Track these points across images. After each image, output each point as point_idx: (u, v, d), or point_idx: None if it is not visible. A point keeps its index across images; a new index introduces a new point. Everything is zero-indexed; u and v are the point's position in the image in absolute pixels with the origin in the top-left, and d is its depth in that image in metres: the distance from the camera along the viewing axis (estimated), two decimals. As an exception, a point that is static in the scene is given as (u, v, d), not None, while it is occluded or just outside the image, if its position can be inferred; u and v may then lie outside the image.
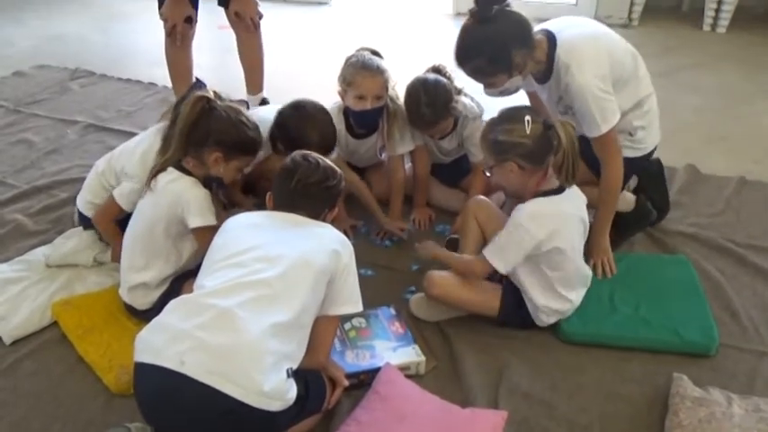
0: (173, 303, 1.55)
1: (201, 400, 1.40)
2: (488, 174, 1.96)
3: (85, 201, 2.26)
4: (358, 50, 2.40)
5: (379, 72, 2.31)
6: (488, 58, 2.03)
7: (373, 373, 1.79)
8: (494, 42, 2.01)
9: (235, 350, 1.43)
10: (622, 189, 2.25)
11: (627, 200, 2.36)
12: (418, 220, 2.56)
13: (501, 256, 1.88)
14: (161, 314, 1.53)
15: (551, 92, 2.18)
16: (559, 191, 1.87)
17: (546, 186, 1.88)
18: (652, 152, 2.32)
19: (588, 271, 2.02)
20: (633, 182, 2.44)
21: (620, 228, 2.33)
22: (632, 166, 2.26)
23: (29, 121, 3.36)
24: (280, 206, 1.76)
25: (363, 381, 1.80)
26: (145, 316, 1.90)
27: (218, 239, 1.71)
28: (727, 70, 4.01)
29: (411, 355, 1.88)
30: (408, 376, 1.82)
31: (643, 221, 2.41)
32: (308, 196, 1.75)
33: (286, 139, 2.20)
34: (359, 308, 1.72)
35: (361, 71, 2.30)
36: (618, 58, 2.08)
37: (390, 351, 1.88)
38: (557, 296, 1.92)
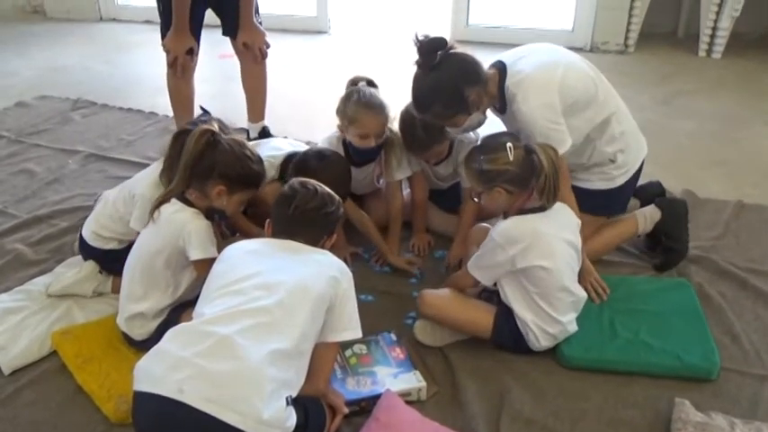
0: (172, 331, 1.55)
1: (200, 429, 1.39)
2: (476, 200, 1.98)
3: (90, 230, 2.26)
4: (354, 82, 2.40)
5: (381, 110, 2.31)
6: (443, 104, 2.07)
7: (374, 399, 1.78)
8: (445, 87, 2.05)
9: (234, 377, 1.42)
10: (620, 213, 2.30)
11: (649, 217, 2.37)
12: (417, 245, 2.56)
13: (480, 269, 1.95)
14: (160, 342, 1.53)
15: (510, 123, 2.20)
16: (541, 209, 1.91)
17: (529, 205, 1.92)
18: (641, 167, 2.34)
19: (581, 294, 2.01)
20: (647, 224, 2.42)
21: (671, 234, 2.35)
22: (626, 189, 2.30)
23: (30, 151, 3.38)
24: (278, 233, 1.77)
25: (364, 408, 1.79)
26: (143, 346, 1.90)
27: (217, 267, 1.72)
28: (724, 96, 4.04)
29: (412, 381, 1.87)
30: (409, 402, 1.81)
31: (679, 214, 2.38)
32: (306, 222, 1.75)
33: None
34: (358, 334, 1.72)
35: (365, 110, 2.30)
36: (570, 84, 2.09)
37: (391, 377, 1.87)
38: (543, 314, 1.91)
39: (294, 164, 2.28)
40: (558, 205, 1.96)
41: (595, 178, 2.29)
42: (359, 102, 2.31)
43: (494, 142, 1.93)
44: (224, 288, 1.61)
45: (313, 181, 1.82)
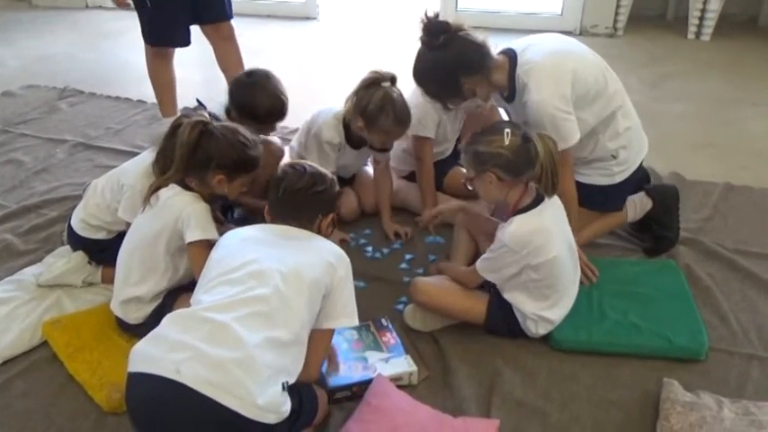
0: (170, 317, 1.54)
1: (198, 411, 1.38)
2: (469, 187, 1.94)
3: (79, 218, 2.25)
4: (376, 80, 2.26)
5: (410, 121, 2.30)
6: (438, 85, 2.09)
7: (365, 384, 1.79)
8: (441, 70, 2.05)
9: (232, 362, 1.41)
10: (617, 209, 2.34)
11: (639, 205, 2.38)
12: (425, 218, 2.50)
13: (492, 271, 1.93)
14: (158, 327, 1.52)
15: (518, 112, 2.17)
16: (538, 202, 1.87)
17: (526, 201, 1.88)
18: (641, 165, 2.32)
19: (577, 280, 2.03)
20: (636, 212, 2.42)
21: (662, 222, 2.36)
22: (624, 187, 2.29)
23: (18, 140, 3.36)
24: (275, 218, 1.77)
25: (356, 393, 1.80)
26: (136, 331, 1.90)
27: (214, 254, 1.71)
28: (712, 78, 4.05)
29: (403, 365, 1.88)
30: (401, 387, 1.82)
31: (671, 203, 2.38)
32: (295, 204, 1.75)
33: (237, 106, 2.33)
34: (354, 321, 1.71)
35: (399, 127, 2.28)
36: (582, 76, 2.05)
37: (383, 362, 1.88)
38: (547, 303, 1.93)
39: (227, 90, 2.37)
40: None
41: (595, 173, 2.26)
42: (395, 120, 2.25)
43: (494, 128, 1.89)
44: (221, 276, 1.60)
45: (303, 161, 1.82)
